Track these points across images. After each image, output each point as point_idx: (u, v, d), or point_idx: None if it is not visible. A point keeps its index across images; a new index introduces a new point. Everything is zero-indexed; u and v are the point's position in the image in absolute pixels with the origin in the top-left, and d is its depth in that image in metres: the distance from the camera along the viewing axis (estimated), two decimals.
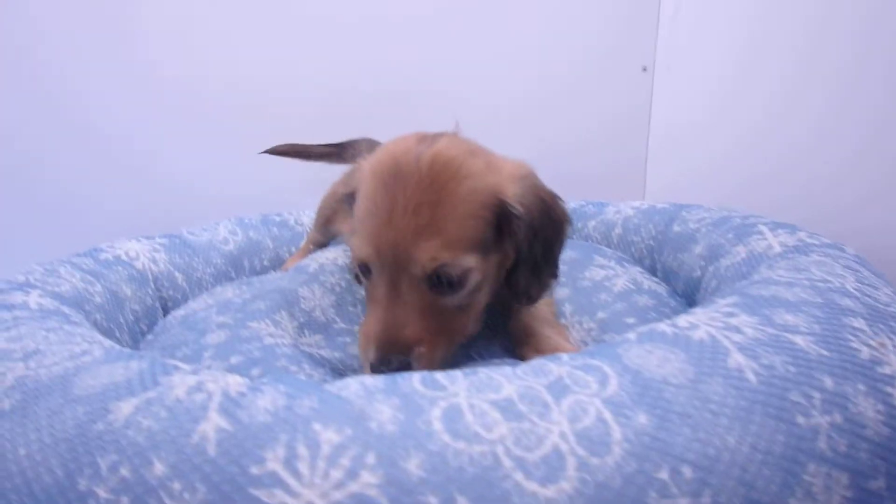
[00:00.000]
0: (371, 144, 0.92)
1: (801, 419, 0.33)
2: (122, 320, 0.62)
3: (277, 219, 1.08)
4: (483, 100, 1.31)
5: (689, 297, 0.65)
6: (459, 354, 0.59)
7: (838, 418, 0.34)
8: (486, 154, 0.55)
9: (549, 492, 0.30)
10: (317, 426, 0.31)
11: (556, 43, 1.29)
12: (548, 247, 0.55)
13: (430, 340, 0.51)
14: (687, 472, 0.31)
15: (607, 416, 0.32)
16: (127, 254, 0.75)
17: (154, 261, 0.78)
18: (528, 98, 1.32)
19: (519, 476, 0.30)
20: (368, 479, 0.29)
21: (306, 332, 0.63)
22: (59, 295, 0.55)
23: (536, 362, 0.37)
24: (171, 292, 0.78)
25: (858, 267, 0.48)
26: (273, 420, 0.32)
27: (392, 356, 0.49)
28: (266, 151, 1.01)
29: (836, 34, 0.84)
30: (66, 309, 0.51)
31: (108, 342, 0.41)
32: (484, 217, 0.51)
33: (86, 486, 0.31)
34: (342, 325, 0.66)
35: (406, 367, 0.49)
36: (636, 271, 0.69)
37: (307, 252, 1.00)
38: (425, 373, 0.35)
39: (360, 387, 0.34)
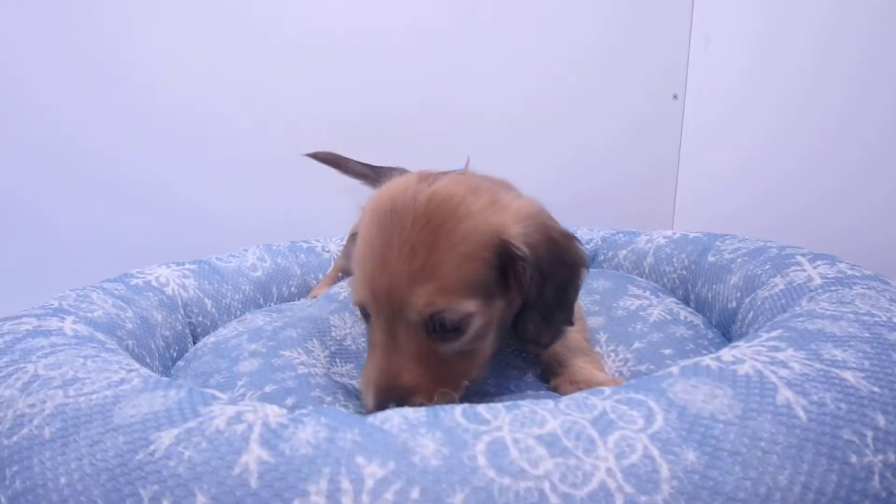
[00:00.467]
0: (403, 175, 0.94)
1: (854, 458, 0.34)
2: (153, 346, 0.64)
3: (305, 245, 1.11)
4: (517, 125, 1.37)
5: (724, 328, 0.66)
6: (494, 385, 0.59)
7: (892, 457, 0.34)
8: (492, 191, 0.53)
9: None
10: (360, 459, 0.32)
11: (591, 70, 1.36)
12: (560, 291, 0.53)
13: (429, 389, 0.50)
14: None
15: (654, 452, 0.33)
16: (157, 279, 0.77)
17: (184, 287, 0.80)
18: (561, 123, 1.38)
19: None
20: None
21: (338, 360, 0.65)
22: (93, 321, 0.57)
23: (579, 396, 0.38)
24: (200, 318, 0.80)
25: None
26: (315, 452, 0.33)
27: (389, 405, 0.47)
28: (309, 155, 1.04)
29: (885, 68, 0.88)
30: (100, 335, 0.53)
31: (145, 370, 0.42)
32: (485, 259, 0.50)
33: None
34: None
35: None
36: (671, 301, 0.70)
37: (334, 279, 1.03)
38: (467, 406, 0.36)
39: (403, 420, 0.35)
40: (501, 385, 0.59)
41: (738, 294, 0.63)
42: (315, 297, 0.98)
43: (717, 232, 0.81)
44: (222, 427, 0.35)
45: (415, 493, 0.31)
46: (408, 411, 0.36)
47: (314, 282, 1.08)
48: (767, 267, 0.61)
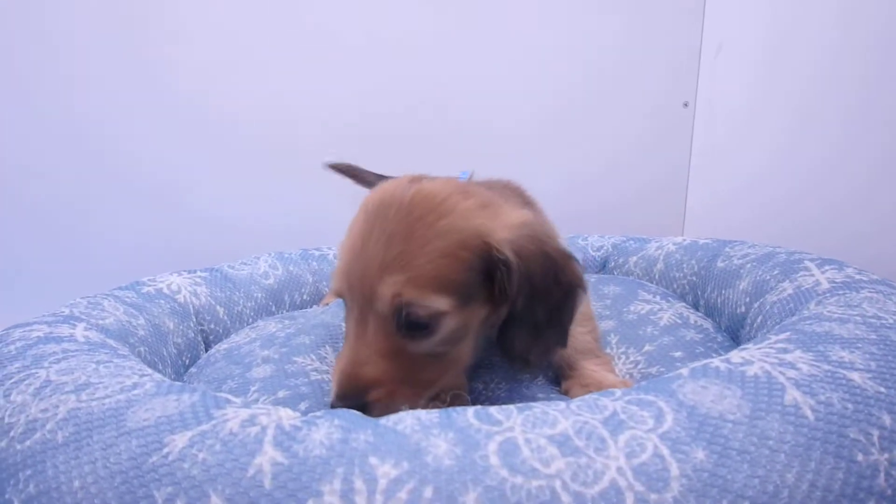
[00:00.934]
0: None
1: (860, 457, 0.35)
2: (165, 353, 0.66)
3: (317, 253, 1.13)
4: (528, 131, 1.41)
5: (733, 332, 0.68)
6: (505, 389, 0.61)
7: None
8: (487, 197, 0.54)
9: None
10: (373, 460, 0.34)
11: (601, 77, 1.40)
12: (555, 311, 0.52)
13: (391, 387, 0.49)
14: None
15: (664, 451, 0.35)
16: (169, 287, 0.79)
17: (195, 294, 0.82)
18: (571, 130, 1.42)
19: None
20: None
21: None
22: (105, 328, 0.58)
23: (590, 397, 0.40)
24: (212, 326, 0.82)
25: None
26: (329, 453, 0.34)
27: (347, 397, 0.48)
28: (330, 166, 1.06)
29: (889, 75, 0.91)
30: (112, 342, 0.55)
31: (157, 375, 0.44)
32: (464, 259, 0.49)
33: None
34: None
35: (361, 409, 0.46)
36: (681, 306, 0.72)
37: None
38: (479, 407, 0.38)
39: (416, 421, 0.36)
40: (512, 389, 0.61)
41: (748, 299, 0.65)
42: (327, 304, 1.00)
43: (728, 239, 0.83)
44: (236, 429, 0.37)
45: (428, 493, 0.32)
46: (421, 413, 0.37)
47: (326, 289, 1.11)
48: (776, 272, 0.63)
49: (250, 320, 0.89)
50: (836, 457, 0.35)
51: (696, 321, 0.69)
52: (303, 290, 1.04)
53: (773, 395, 0.38)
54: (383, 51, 1.35)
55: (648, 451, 0.35)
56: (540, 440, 0.35)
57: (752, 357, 0.42)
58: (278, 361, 0.63)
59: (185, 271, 0.86)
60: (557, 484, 0.33)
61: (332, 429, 0.36)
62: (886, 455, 0.35)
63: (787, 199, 1.08)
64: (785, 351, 0.42)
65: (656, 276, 0.89)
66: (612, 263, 1.03)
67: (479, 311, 0.52)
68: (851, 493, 0.34)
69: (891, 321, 0.46)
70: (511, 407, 0.38)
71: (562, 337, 0.53)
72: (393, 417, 0.37)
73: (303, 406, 0.52)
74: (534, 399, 0.55)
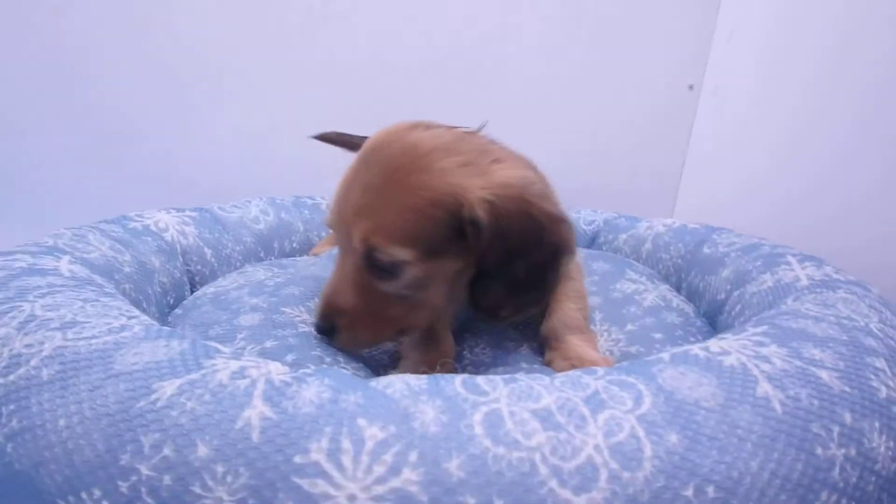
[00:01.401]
0: None
1: (819, 450, 0.37)
2: (150, 292, 0.65)
3: (310, 202, 1.11)
4: (524, 105, 1.37)
5: (711, 318, 0.70)
6: (489, 356, 0.62)
7: (853, 452, 0.38)
8: (475, 154, 0.54)
9: (581, 500, 0.33)
10: (361, 421, 0.34)
11: (607, 53, 1.35)
12: (537, 270, 0.53)
13: (358, 318, 0.55)
14: (710, 491, 0.34)
15: (640, 433, 0.36)
16: (156, 224, 0.77)
17: (183, 234, 0.80)
18: (572, 103, 1.38)
19: (554, 483, 0.33)
20: (410, 477, 0.33)
21: None
22: (90, 262, 0.57)
23: (574, 374, 0.41)
24: (199, 267, 0.80)
25: (881, 307, 0.52)
26: (318, 412, 0.35)
27: (325, 320, 0.55)
28: (316, 137, 1.03)
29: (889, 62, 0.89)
30: (98, 278, 0.53)
31: (145, 318, 0.43)
32: (432, 216, 0.51)
33: (128, 462, 0.33)
34: None
35: (332, 332, 0.55)
36: (665, 288, 0.74)
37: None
38: (466, 376, 0.39)
39: (405, 386, 0.37)
40: (496, 356, 0.62)
41: (728, 287, 0.67)
42: (316, 254, 0.99)
43: (720, 210, 0.83)
44: (225, 381, 0.36)
45: (413, 457, 0.33)
46: (410, 378, 0.38)
47: (316, 239, 1.09)
48: (758, 263, 0.65)
49: (238, 264, 0.87)
50: (797, 449, 0.37)
51: (678, 304, 0.71)
52: (293, 237, 1.02)
53: (747, 387, 0.39)
54: (381, 16, 1.30)
55: (625, 431, 0.36)
56: (524, 413, 0.36)
57: (731, 348, 0.43)
58: (266, 311, 0.63)
59: (173, 209, 0.83)
60: (537, 457, 0.34)
61: (322, 388, 0.36)
62: (843, 450, 0.37)
63: (786, 199, 1.06)
64: (761, 344, 0.44)
65: (643, 256, 0.90)
66: (602, 239, 1.03)
67: (449, 263, 0.54)
68: (808, 483, 0.36)
69: (862, 324, 0.47)
70: (498, 378, 0.39)
71: (540, 297, 0.56)
72: (382, 381, 0.38)
73: (290, 358, 0.53)
74: (517, 366, 0.56)
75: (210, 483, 0.33)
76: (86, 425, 0.35)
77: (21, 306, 0.43)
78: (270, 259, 0.96)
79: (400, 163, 0.52)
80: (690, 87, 1.31)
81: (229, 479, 0.33)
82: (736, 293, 0.64)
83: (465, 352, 0.65)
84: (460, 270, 0.54)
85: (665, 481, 0.34)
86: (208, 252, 0.82)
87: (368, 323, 0.55)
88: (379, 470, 0.33)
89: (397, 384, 0.37)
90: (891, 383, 0.43)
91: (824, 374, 0.41)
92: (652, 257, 0.88)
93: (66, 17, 1.21)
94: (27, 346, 0.39)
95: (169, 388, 0.36)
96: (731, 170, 1.21)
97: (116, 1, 1.22)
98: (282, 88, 1.33)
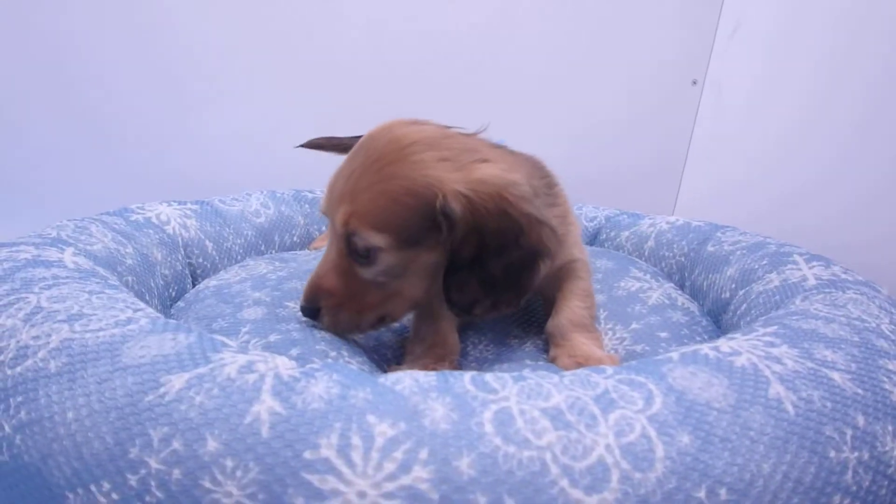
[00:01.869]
0: None
1: (832, 453, 0.37)
2: (152, 284, 0.64)
3: (310, 196, 1.10)
4: (527, 100, 1.36)
5: (715, 316, 0.69)
6: (493, 352, 0.62)
7: (866, 455, 0.37)
8: (459, 152, 0.54)
9: (592, 501, 0.33)
10: (371, 418, 0.34)
11: (609, 48, 1.34)
12: (513, 270, 0.53)
13: (340, 301, 0.56)
14: (723, 493, 0.34)
15: (652, 433, 0.35)
16: (158, 217, 0.76)
17: (185, 227, 0.79)
18: (573, 98, 1.37)
19: (565, 483, 0.33)
20: (420, 474, 0.32)
21: None
22: (93, 254, 0.56)
23: (583, 372, 0.40)
24: (200, 260, 0.80)
25: (891, 308, 0.51)
26: (327, 408, 0.34)
27: (309, 301, 0.57)
28: (302, 145, 1.03)
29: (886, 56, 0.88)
30: (101, 270, 0.53)
31: (150, 310, 0.43)
32: (408, 205, 0.52)
33: (137, 456, 0.33)
34: None
35: (316, 313, 0.57)
36: (669, 287, 0.73)
37: None
38: (475, 374, 0.38)
39: (414, 383, 0.36)
40: (501, 353, 0.61)
41: (733, 286, 0.66)
42: (316, 248, 0.98)
43: (721, 205, 0.82)
44: (234, 375, 0.36)
45: (423, 454, 0.33)
46: (419, 374, 0.37)
47: (317, 232, 1.08)
48: (764, 262, 0.64)
49: (239, 258, 0.86)
50: (810, 451, 0.36)
51: (683, 303, 0.70)
52: (293, 231, 1.01)
53: (759, 388, 0.39)
54: (380, 11, 1.28)
55: (636, 431, 0.35)
56: (534, 412, 0.35)
57: (741, 348, 0.42)
58: (270, 305, 0.62)
59: (174, 202, 0.82)
60: (548, 456, 0.33)
61: (330, 383, 0.35)
62: (856, 454, 0.37)
63: (789, 195, 1.05)
64: (772, 345, 0.43)
65: (646, 254, 0.89)
66: (604, 236, 1.02)
67: (425, 255, 0.54)
68: (820, 486, 0.35)
69: (873, 325, 0.46)
70: (507, 376, 0.38)
71: (516, 297, 0.55)
72: (391, 377, 0.37)
73: (294, 352, 0.52)
74: (521, 363, 0.56)
75: (220, 477, 0.32)
76: (94, 418, 0.34)
77: (27, 298, 0.42)
78: (271, 252, 0.95)
79: (382, 153, 0.54)
80: (694, 83, 1.30)
81: (239, 473, 0.32)
82: (741, 292, 0.63)
83: (469, 348, 0.64)
84: (438, 264, 0.55)
85: (677, 482, 0.34)
86: (209, 245, 0.81)
87: (349, 307, 0.57)
88: (389, 467, 0.32)
89: (406, 381, 0.36)
90: None
91: (837, 376, 0.40)
92: (655, 255, 0.87)
93: (66, 14, 1.20)
94: (34, 337, 0.39)
95: (177, 381, 0.35)
96: (734, 165, 1.20)
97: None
98: (281, 84, 1.31)
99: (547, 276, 0.65)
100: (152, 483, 0.32)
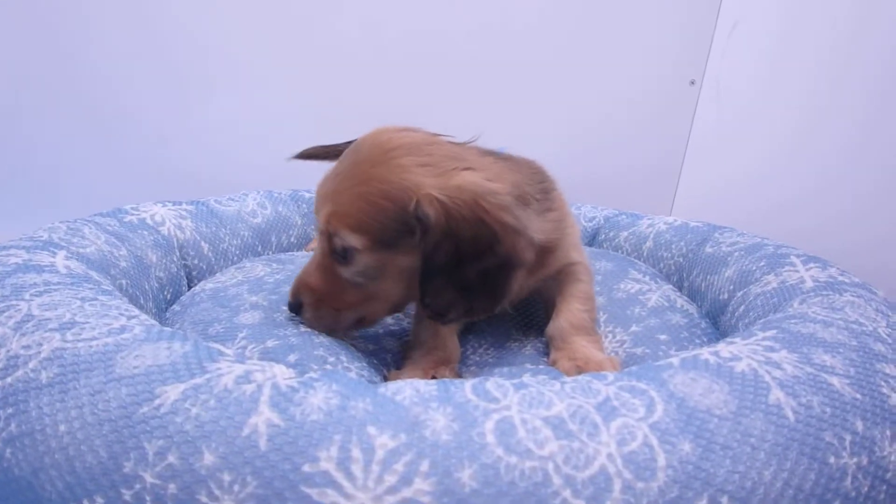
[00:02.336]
0: None
1: (832, 459, 0.36)
2: (147, 287, 0.63)
3: (308, 195, 1.08)
4: (526, 99, 1.35)
5: (713, 318, 0.69)
6: (494, 356, 0.61)
7: (865, 461, 0.37)
8: (444, 159, 0.54)
9: None
10: (371, 429, 0.33)
11: (608, 48, 1.32)
12: (489, 277, 0.53)
13: (322, 298, 0.57)
14: (724, 501, 0.33)
15: (654, 441, 0.35)
16: (152, 218, 0.74)
17: (180, 227, 0.77)
18: (571, 98, 1.35)
19: (567, 493, 0.32)
20: (422, 487, 0.31)
21: None
22: (86, 257, 0.55)
23: (584, 379, 0.39)
24: (196, 261, 0.78)
25: (888, 311, 0.51)
26: (327, 419, 0.33)
27: (294, 296, 0.58)
28: (295, 157, 1.01)
29: (884, 58, 0.87)
30: (94, 274, 0.51)
31: (145, 317, 0.42)
32: (384, 208, 0.52)
33: (131, 470, 0.32)
34: None
35: (300, 309, 0.58)
36: (668, 288, 0.73)
37: None
38: (477, 383, 0.37)
39: (414, 392, 0.35)
40: (501, 357, 0.61)
41: (731, 287, 0.66)
42: (313, 249, 0.97)
43: (719, 206, 0.82)
44: (230, 386, 0.35)
45: (424, 466, 0.32)
46: (419, 384, 0.37)
47: (314, 233, 1.06)
48: (762, 264, 0.63)
49: (235, 259, 0.85)
50: (810, 458, 0.36)
51: (682, 305, 0.70)
52: (290, 232, 0.99)
53: (759, 394, 0.38)
54: (379, 8, 1.26)
55: (638, 439, 0.35)
56: (536, 421, 0.35)
57: (741, 353, 0.42)
58: (267, 309, 0.61)
59: (169, 202, 0.81)
60: (550, 466, 0.33)
61: (330, 394, 0.35)
62: (856, 459, 0.37)
63: (787, 196, 1.04)
64: (772, 349, 0.43)
65: (644, 254, 0.89)
66: (603, 236, 1.02)
67: (401, 258, 0.54)
68: (820, 493, 0.35)
69: (870, 328, 0.46)
70: (508, 384, 0.37)
71: (491, 303, 0.55)
72: (391, 387, 0.36)
73: (292, 358, 0.51)
74: (521, 367, 0.55)
75: (216, 492, 0.31)
76: (87, 430, 0.33)
77: (17, 305, 0.41)
78: (268, 253, 0.93)
79: (366, 156, 0.55)
80: (692, 83, 1.29)
81: (236, 487, 0.31)
82: (739, 294, 0.63)
83: (469, 352, 0.64)
84: (415, 268, 0.54)
85: (679, 491, 0.33)
86: (205, 246, 0.80)
87: (328, 304, 0.58)
88: (390, 479, 0.31)
89: (407, 390, 0.36)
90: None
91: (836, 381, 0.40)
92: (653, 255, 0.87)
93: (64, 12, 1.17)
94: (25, 347, 0.37)
95: (172, 392, 0.34)
96: (732, 165, 1.19)
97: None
98: (279, 81, 1.29)
99: (545, 279, 0.65)
100: (147, 498, 0.31)
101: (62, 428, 0.33)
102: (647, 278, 0.74)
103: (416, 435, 0.33)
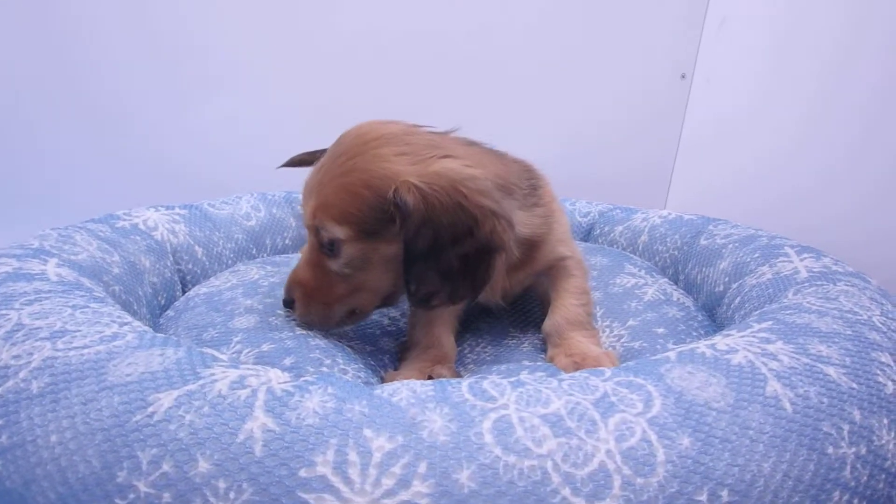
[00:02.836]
0: None
1: (830, 449, 0.36)
2: (140, 293, 0.62)
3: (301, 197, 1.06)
4: (517, 95, 1.33)
5: (710, 310, 0.69)
6: (491, 354, 0.61)
7: (863, 450, 0.37)
8: (423, 148, 0.54)
9: None
10: (368, 432, 0.32)
11: (597, 42, 1.31)
12: (470, 263, 0.53)
13: (309, 293, 0.58)
14: (725, 495, 0.33)
15: (652, 436, 0.34)
16: (145, 223, 0.73)
17: (173, 232, 0.76)
18: (561, 94, 1.34)
19: (567, 492, 0.32)
20: (420, 489, 0.31)
21: None
22: (77, 264, 0.54)
23: (581, 375, 0.39)
24: (190, 266, 0.77)
25: (882, 299, 0.51)
26: (323, 423, 0.33)
27: (287, 292, 0.59)
28: (284, 165, 1.00)
29: (873, 54, 0.86)
30: (86, 281, 0.50)
31: (138, 323, 0.41)
32: (365, 197, 0.52)
33: (125, 479, 0.31)
34: (372, 317, 0.67)
35: (291, 304, 0.58)
36: (664, 282, 0.72)
37: None
38: (473, 382, 0.37)
39: (411, 393, 0.35)
40: (498, 354, 0.60)
41: (727, 279, 0.65)
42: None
43: (712, 203, 0.81)
44: (225, 391, 0.34)
45: (422, 468, 0.31)
46: (415, 384, 0.36)
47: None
48: (756, 255, 0.63)
49: (230, 262, 0.84)
50: (809, 449, 0.35)
51: (678, 298, 0.69)
52: (285, 234, 0.98)
53: (756, 386, 0.38)
54: (376, 8, 1.25)
55: (637, 435, 0.34)
56: (533, 419, 0.34)
57: (737, 345, 0.41)
58: (262, 312, 0.60)
59: (162, 207, 0.79)
60: (549, 464, 0.32)
61: (325, 397, 0.34)
62: (854, 449, 0.36)
63: (781, 190, 1.03)
64: (767, 341, 0.42)
65: (640, 248, 0.88)
66: (598, 231, 1.01)
67: (385, 247, 0.54)
68: (820, 483, 0.34)
69: (865, 317, 0.46)
70: (505, 383, 0.37)
71: (475, 289, 0.55)
72: (387, 388, 0.36)
73: (288, 361, 0.50)
74: (519, 364, 0.54)
75: (212, 500, 0.31)
76: (79, 441, 0.32)
77: (7, 314, 0.40)
78: (263, 256, 0.92)
79: (346, 149, 0.55)
80: (682, 77, 1.28)
81: (232, 495, 0.31)
82: (735, 286, 0.63)
83: (466, 350, 0.63)
84: (400, 256, 0.54)
85: (679, 486, 0.33)
86: (199, 250, 0.79)
87: (319, 298, 0.58)
88: (388, 483, 0.31)
89: (403, 391, 0.35)
90: None
91: (832, 371, 0.40)
92: (649, 249, 0.87)
93: (62, 13, 1.15)
94: (15, 357, 0.36)
95: (166, 400, 0.33)
96: (725, 159, 1.18)
97: None
98: (276, 82, 1.28)
99: (536, 274, 0.65)
100: None
101: (54, 438, 0.33)
102: (642, 272, 0.73)
103: (413, 436, 0.32)
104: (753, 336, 0.43)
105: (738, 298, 0.59)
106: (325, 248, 0.55)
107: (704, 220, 0.80)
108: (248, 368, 0.36)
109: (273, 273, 0.74)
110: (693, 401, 0.37)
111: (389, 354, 0.61)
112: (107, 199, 0.96)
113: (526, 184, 0.61)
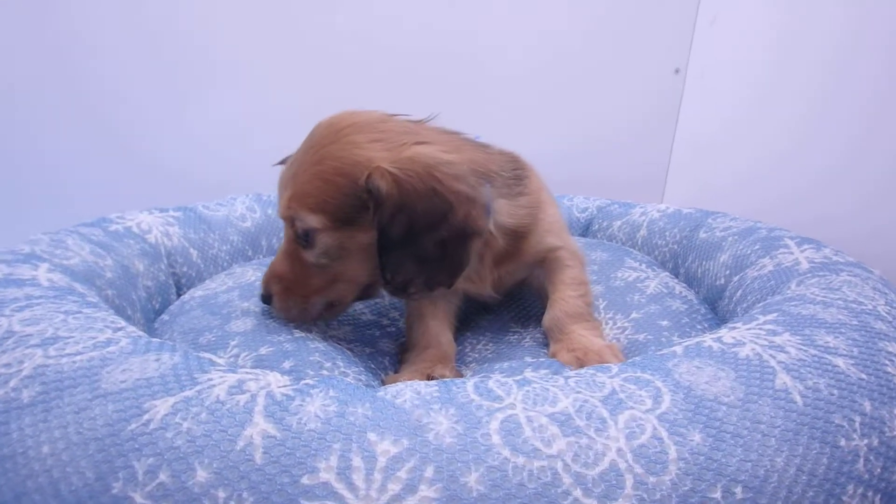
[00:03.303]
0: None
1: (843, 442, 0.35)
2: (134, 297, 0.60)
3: None
4: (511, 93, 1.32)
5: (711, 303, 0.68)
6: (493, 351, 0.60)
7: (875, 441, 0.36)
8: (398, 135, 0.53)
9: None
10: (372, 436, 0.31)
11: (590, 38, 1.29)
12: (447, 248, 0.51)
13: (287, 287, 0.56)
14: (738, 492, 0.32)
15: (663, 433, 0.33)
16: (138, 226, 0.71)
17: (167, 235, 0.74)
18: (555, 92, 1.33)
19: (578, 493, 0.30)
20: (427, 494, 0.29)
21: (336, 323, 0.63)
22: (70, 269, 0.52)
23: (587, 372, 0.37)
24: (185, 269, 0.75)
25: (885, 289, 0.50)
26: (325, 427, 0.31)
27: (265, 287, 0.58)
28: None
29: (870, 51, 0.84)
30: (79, 286, 0.49)
31: (132, 329, 0.39)
32: (339, 184, 0.51)
33: (120, 491, 0.30)
34: (370, 318, 0.66)
35: (271, 300, 0.57)
36: (666, 275, 0.71)
37: None
38: (479, 381, 0.35)
39: (415, 395, 0.33)
40: (500, 351, 0.59)
41: (727, 272, 0.64)
42: None
43: (710, 200, 0.80)
44: (223, 397, 0.33)
45: (429, 472, 0.30)
46: (419, 385, 0.34)
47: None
48: (757, 247, 0.62)
49: (225, 265, 0.82)
50: (821, 442, 0.34)
51: (680, 291, 0.68)
52: (281, 234, 0.96)
53: (765, 379, 0.37)
54: (373, 8, 1.23)
55: (647, 432, 0.33)
56: (541, 419, 0.33)
57: (744, 338, 0.40)
58: (259, 315, 0.59)
59: (155, 209, 0.77)
60: (559, 465, 0.31)
61: (327, 400, 0.32)
62: (866, 441, 0.35)
63: (779, 184, 1.01)
64: (774, 333, 0.41)
65: (639, 243, 0.87)
66: (596, 226, 1.00)
67: (361, 235, 0.53)
68: (833, 477, 0.33)
69: (870, 307, 0.45)
70: (511, 381, 0.36)
71: (451, 275, 0.53)
72: (391, 390, 0.34)
73: (287, 365, 0.49)
74: (521, 360, 0.53)
75: None
76: (72, 451, 0.31)
77: None
78: (259, 258, 0.90)
79: (320, 138, 0.54)
80: (676, 71, 1.26)
81: None
82: (736, 278, 0.62)
83: (467, 349, 0.62)
84: (372, 244, 0.53)
85: (692, 484, 0.31)
86: (194, 253, 0.77)
87: (296, 292, 0.56)
88: (394, 488, 0.29)
89: (407, 393, 0.33)
90: None
91: (840, 362, 0.39)
92: (648, 244, 0.86)
93: (55, 13, 1.13)
94: (5, 365, 0.35)
95: (162, 407, 0.32)
96: (721, 154, 1.17)
97: None
98: (274, 82, 1.26)
99: (528, 266, 0.63)
100: None
101: (45, 449, 0.31)
102: (643, 266, 0.72)
103: (418, 439, 0.31)
104: (760, 328, 0.42)
105: (740, 291, 0.58)
106: (300, 239, 0.54)
107: (703, 214, 0.79)
108: (247, 372, 0.35)
109: None
110: (703, 396, 0.35)
111: (390, 356, 0.59)
112: (102, 200, 0.95)
113: (510, 173, 0.59)
